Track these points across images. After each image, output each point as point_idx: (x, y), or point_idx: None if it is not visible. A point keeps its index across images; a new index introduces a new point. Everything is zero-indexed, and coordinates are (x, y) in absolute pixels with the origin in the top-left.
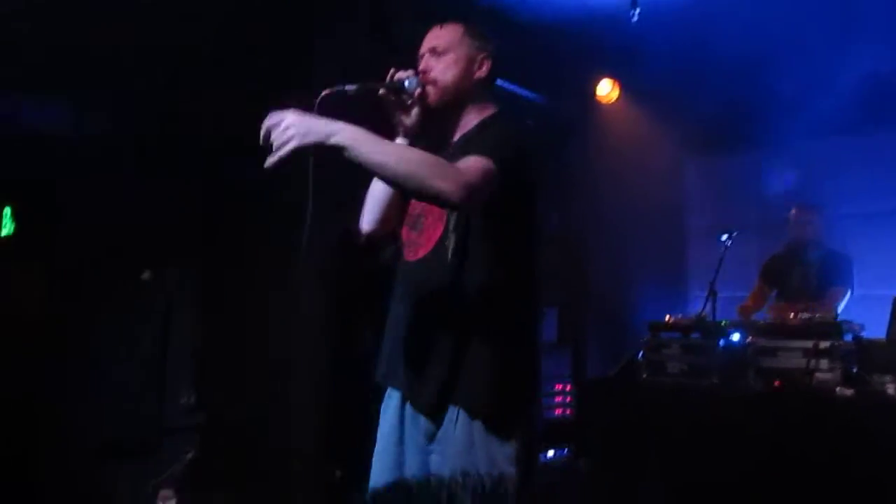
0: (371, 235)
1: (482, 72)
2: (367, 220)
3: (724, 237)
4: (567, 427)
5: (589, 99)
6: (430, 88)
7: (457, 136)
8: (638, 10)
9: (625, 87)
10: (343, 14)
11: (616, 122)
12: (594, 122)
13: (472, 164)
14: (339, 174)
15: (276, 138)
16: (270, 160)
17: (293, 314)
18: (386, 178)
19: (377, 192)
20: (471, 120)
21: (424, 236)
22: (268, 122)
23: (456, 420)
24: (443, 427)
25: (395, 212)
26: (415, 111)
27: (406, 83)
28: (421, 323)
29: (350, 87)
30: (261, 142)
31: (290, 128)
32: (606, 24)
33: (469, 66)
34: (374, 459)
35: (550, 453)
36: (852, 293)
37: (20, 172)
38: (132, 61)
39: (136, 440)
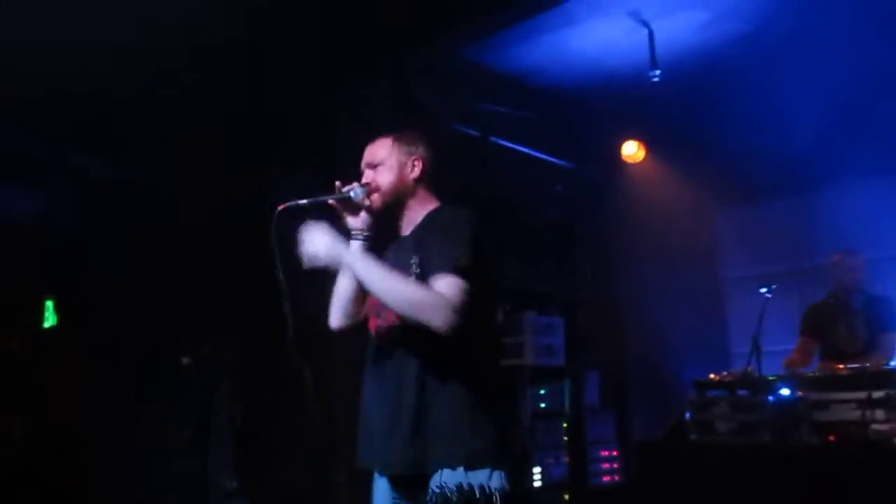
0: (340, 330)
1: (416, 172)
2: (336, 316)
3: (764, 290)
4: (616, 493)
5: (616, 161)
6: (373, 196)
7: (408, 231)
8: (658, 71)
9: (651, 145)
10: (364, 79)
11: (645, 182)
12: (623, 184)
13: (447, 287)
14: None
15: (306, 250)
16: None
17: (333, 391)
18: (383, 301)
19: (342, 290)
20: (417, 215)
21: (385, 318)
22: (302, 235)
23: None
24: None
25: (360, 306)
26: (362, 215)
27: (352, 194)
28: (388, 393)
29: (303, 202)
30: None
31: (318, 245)
32: (628, 86)
33: (402, 170)
34: None
35: None
36: None
37: (60, 266)
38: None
39: None
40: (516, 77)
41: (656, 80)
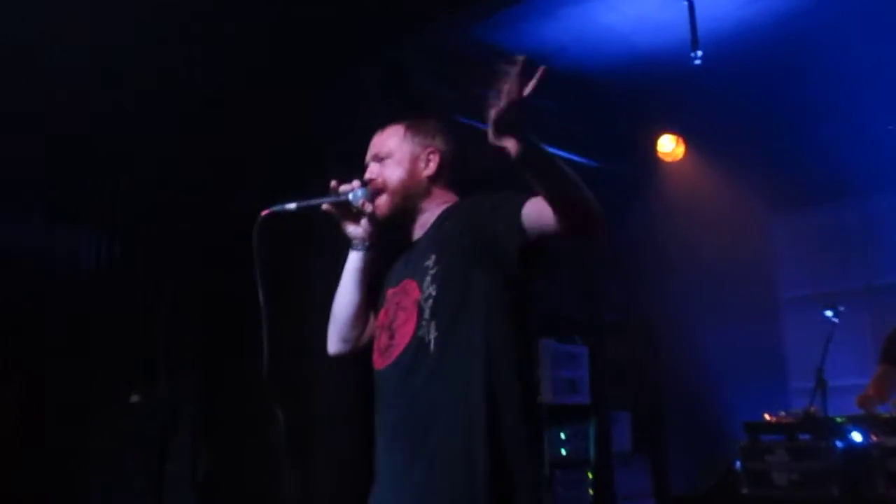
0: (338, 356)
1: (430, 169)
2: (332, 340)
3: (829, 313)
4: None
5: (650, 158)
6: (378, 199)
7: (419, 236)
8: (700, 52)
9: (691, 141)
10: (355, 67)
11: (685, 183)
12: (658, 185)
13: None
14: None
15: (502, 110)
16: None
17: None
18: (554, 184)
19: (339, 312)
20: (430, 217)
21: (398, 337)
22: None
23: None
24: None
25: (359, 330)
26: (363, 222)
27: (351, 196)
28: (412, 429)
29: (291, 206)
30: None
31: (520, 115)
32: (664, 70)
33: (414, 164)
34: None
35: None
36: None
37: None
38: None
39: None
40: (531, 58)
41: (698, 62)
